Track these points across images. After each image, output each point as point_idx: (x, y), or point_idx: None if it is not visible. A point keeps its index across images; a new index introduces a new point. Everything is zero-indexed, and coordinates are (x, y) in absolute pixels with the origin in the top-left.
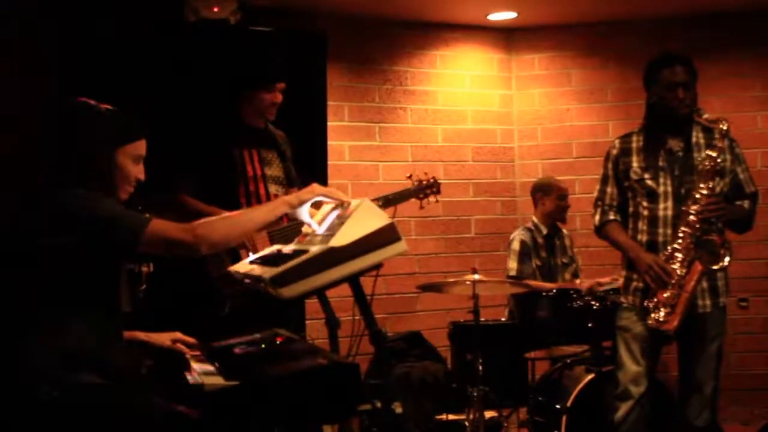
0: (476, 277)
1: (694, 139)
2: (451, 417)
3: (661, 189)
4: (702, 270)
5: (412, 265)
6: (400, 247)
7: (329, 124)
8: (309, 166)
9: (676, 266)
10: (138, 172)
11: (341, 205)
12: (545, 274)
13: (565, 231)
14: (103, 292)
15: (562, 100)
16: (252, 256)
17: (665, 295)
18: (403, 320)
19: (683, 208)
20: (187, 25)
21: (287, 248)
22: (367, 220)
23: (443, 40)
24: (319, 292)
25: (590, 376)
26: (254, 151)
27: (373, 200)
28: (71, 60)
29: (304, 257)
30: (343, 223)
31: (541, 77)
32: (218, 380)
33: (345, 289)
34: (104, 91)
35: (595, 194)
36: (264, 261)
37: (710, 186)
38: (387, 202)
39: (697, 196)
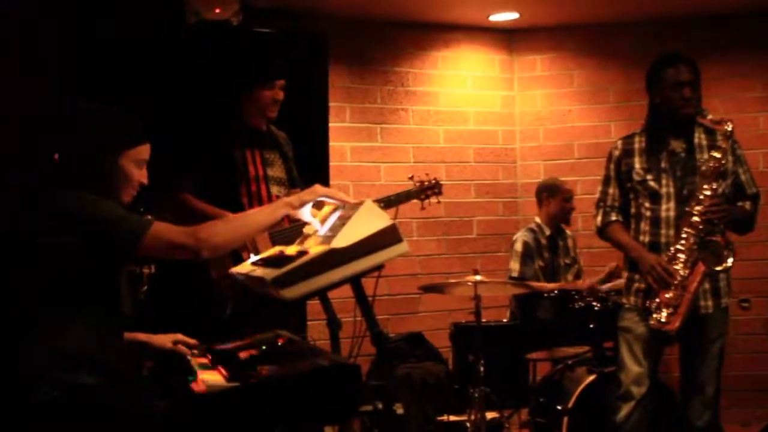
0: (478, 278)
1: (696, 141)
2: (452, 418)
3: (664, 190)
4: (705, 271)
5: (414, 266)
6: (402, 248)
7: (331, 125)
8: (311, 168)
9: (678, 267)
10: (141, 176)
11: (342, 206)
12: (548, 275)
13: (568, 232)
14: (103, 293)
15: (564, 101)
16: (254, 258)
17: (667, 295)
18: (404, 321)
19: (686, 209)
20: (188, 26)
21: (289, 249)
22: (369, 221)
23: (445, 41)
24: (321, 294)
25: (592, 377)
26: (256, 152)
27: (374, 201)
28: (71, 60)
29: (305, 258)
30: (344, 225)
31: (543, 78)
32: (219, 381)
33: (346, 290)
34: (104, 92)
35: (597, 195)
36: (266, 262)
37: (713, 187)
38: (388, 203)
39: (701, 197)
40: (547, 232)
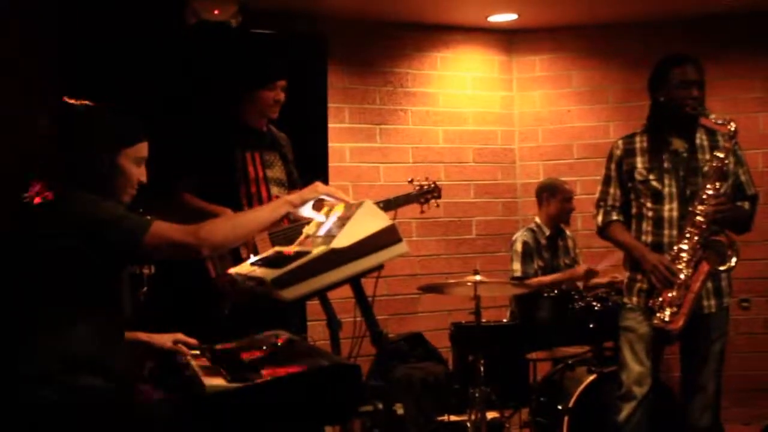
0: (477, 278)
1: (698, 141)
2: (452, 418)
3: (666, 190)
4: (709, 270)
5: (414, 266)
6: (401, 248)
7: (330, 126)
8: (310, 168)
9: (681, 266)
10: (140, 174)
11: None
12: (548, 275)
13: (568, 232)
14: (104, 294)
15: (563, 102)
16: (253, 258)
17: (670, 295)
18: (404, 321)
19: (690, 209)
20: (188, 27)
21: (288, 250)
22: (369, 221)
23: (444, 42)
24: (321, 294)
25: (592, 377)
26: (256, 153)
27: (374, 203)
28: (71, 60)
29: (305, 259)
30: (344, 225)
31: (542, 79)
32: (220, 382)
33: (346, 291)
34: (104, 92)
35: (597, 195)
36: (265, 262)
37: (716, 187)
38: (388, 205)
39: (704, 196)
40: (547, 232)
